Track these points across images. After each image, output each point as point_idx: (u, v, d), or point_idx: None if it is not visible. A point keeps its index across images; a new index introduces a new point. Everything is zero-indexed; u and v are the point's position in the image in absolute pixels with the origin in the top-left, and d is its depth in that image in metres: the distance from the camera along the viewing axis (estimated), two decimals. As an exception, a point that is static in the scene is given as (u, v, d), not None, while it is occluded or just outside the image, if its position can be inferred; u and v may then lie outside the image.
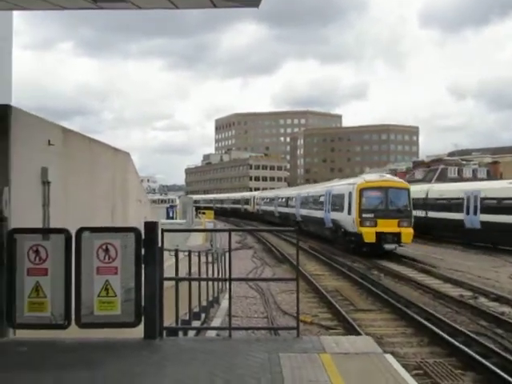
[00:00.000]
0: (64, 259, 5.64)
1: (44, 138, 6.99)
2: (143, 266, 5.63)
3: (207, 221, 34.87)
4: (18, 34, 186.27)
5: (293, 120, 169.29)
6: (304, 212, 36.70)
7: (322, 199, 31.71)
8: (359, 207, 24.68)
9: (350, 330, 10.46)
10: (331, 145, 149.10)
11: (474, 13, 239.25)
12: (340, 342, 5.60)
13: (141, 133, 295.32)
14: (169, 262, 8.54)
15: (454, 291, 15.25)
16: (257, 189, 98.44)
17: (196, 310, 8.70)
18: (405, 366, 8.02)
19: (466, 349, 8.89)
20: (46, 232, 5.87)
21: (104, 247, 5.66)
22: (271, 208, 51.18)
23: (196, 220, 42.18)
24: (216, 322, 10.04)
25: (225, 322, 9.51)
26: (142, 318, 5.55)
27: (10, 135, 6.08)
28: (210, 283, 11.29)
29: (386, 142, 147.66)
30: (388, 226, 24.10)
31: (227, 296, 9.20)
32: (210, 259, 13.01)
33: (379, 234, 23.80)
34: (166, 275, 7.71)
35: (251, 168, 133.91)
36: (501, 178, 53.60)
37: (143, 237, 5.66)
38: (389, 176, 30.23)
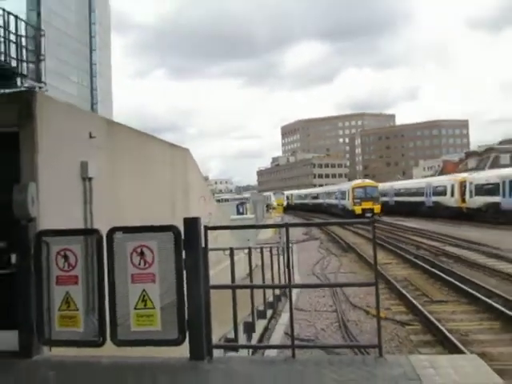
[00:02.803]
0: (95, 265, 4.13)
1: (84, 130, 5.53)
2: (185, 271, 4.00)
3: (277, 215, 33.20)
4: (122, 66, 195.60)
5: (350, 122, 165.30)
6: (331, 201, 52.46)
7: (336, 193, 50.03)
8: (353, 196, 42.36)
9: (429, 325, 8.36)
10: (386, 142, 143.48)
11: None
12: (438, 364, 3.66)
13: (220, 142, 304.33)
14: (225, 262, 7.00)
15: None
16: (320, 185, 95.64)
17: (249, 319, 6.80)
18: (503, 373, 6.00)
19: None
20: (72, 234, 4.35)
21: (139, 250, 4.05)
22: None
23: (266, 215, 40.63)
24: (278, 332, 8.14)
25: (287, 339, 7.50)
26: (187, 335, 3.92)
27: (36, 124, 4.65)
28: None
29: (438, 136, 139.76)
30: (367, 205, 41.20)
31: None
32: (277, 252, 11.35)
33: (363, 209, 40.41)
34: (220, 279, 6.04)
35: (314, 167, 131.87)
36: None
37: (183, 237, 4.03)
38: (367, 180, 52.11)
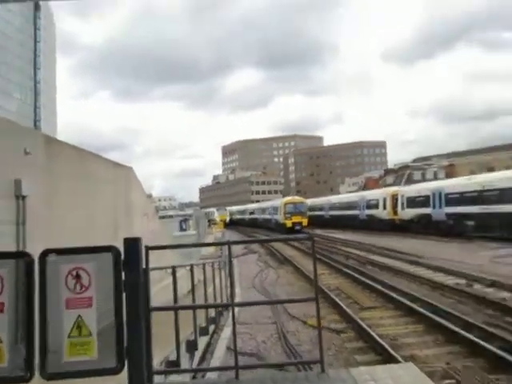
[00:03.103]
0: (24, 290, 3.58)
1: (18, 146, 4.96)
2: (124, 294, 3.56)
3: (217, 231, 32.70)
4: (66, 86, 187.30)
5: (284, 143, 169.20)
6: (265, 216, 54.21)
7: (269, 209, 51.97)
8: (284, 211, 44.15)
9: (361, 332, 8.32)
10: (316, 161, 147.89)
11: (423, 48, 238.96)
12: (377, 375, 3.50)
13: (164, 161, 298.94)
14: (167, 280, 6.55)
15: (448, 280, 13.11)
16: (258, 201, 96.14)
17: (191, 337, 6.37)
18: (432, 375, 6.01)
19: (490, 346, 6.77)
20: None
21: (74, 273, 3.56)
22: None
23: (208, 231, 39.95)
24: (220, 349, 7.75)
25: (230, 354, 7.10)
26: (126, 362, 3.47)
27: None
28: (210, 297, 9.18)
29: (360, 155, 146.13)
30: (296, 219, 43.31)
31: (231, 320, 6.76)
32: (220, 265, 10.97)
33: (293, 223, 42.86)
34: (162, 297, 5.60)
35: (252, 184, 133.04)
36: (454, 177, 52.59)
37: (123, 257, 3.60)
38: (296, 197, 52.08)
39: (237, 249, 30.29)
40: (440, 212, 27.70)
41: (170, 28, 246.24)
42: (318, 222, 51.52)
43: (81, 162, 6.45)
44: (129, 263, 3.57)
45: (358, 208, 41.32)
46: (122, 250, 3.62)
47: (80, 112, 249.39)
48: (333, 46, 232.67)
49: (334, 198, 54.17)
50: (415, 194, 31.81)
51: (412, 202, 31.94)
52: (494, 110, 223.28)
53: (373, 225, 37.62)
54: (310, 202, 58.68)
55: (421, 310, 9.27)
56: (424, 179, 55.28)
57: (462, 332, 7.45)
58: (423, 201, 30.04)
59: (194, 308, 5.16)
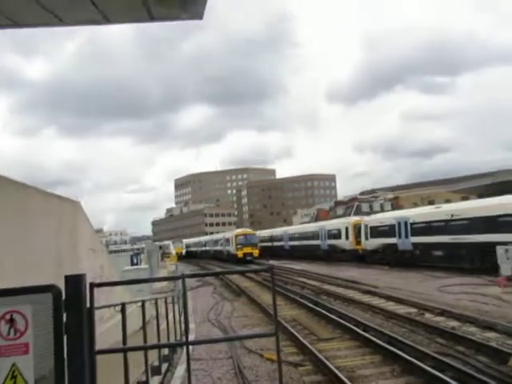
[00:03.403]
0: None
1: None
2: (66, 337, 3.20)
3: (171, 263, 31.74)
4: (8, 124, 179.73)
5: (237, 175, 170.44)
6: (218, 248, 56.36)
7: (221, 241, 54.05)
8: (236, 243, 46.19)
9: (319, 364, 8.12)
10: (268, 193, 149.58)
11: (365, 88, 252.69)
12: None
13: (115, 196, 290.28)
14: (117, 317, 6.11)
15: (399, 309, 13.26)
16: (211, 233, 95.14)
17: (143, 378, 5.92)
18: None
19: (442, 375, 6.78)
20: None
21: (8, 317, 3.16)
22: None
23: (161, 264, 38.74)
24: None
25: None
26: (67, 415, 3.07)
27: None
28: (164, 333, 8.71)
29: (311, 187, 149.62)
30: (247, 249, 45.47)
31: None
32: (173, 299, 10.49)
33: (244, 253, 45.20)
34: (112, 336, 5.19)
35: (206, 216, 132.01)
36: (400, 208, 53.75)
37: (63, 297, 3.25)
38: (247, 229, 54.75)
39: (191, 281, 29.44)
40: (406, 242, 26.62)
41: (120, 65, 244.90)
42: (277, 252, 50.59)
43: (19, 196, 5.98)
44: (70, 303, 3.22)
45: (320, 238, 40.08)
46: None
47: (25, 149, 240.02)
48: (281, 84, 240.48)
49: (293, 229, 52.84)
50: (379, 223, 30.30)
51: (376, 231, 30.39)
52: (431, 147, 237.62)
53: (335, 255, 36.43)
54: (268, 232, 58.94)
55: (377, 340, 9.22)
56: (372, 211, 57.13)
57: (417, 362, 7.43)
58: (388, 230, 28.58)
59: (144, 349, 4.75)
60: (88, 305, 3.34)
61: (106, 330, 6.66)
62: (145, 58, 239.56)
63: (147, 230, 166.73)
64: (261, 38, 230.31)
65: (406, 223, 26.75)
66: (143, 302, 6.04)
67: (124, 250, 59.04)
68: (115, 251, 79.07)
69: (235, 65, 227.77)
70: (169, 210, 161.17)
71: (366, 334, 9.80)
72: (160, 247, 73.28)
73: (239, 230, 51.67)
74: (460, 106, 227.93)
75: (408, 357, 7.81)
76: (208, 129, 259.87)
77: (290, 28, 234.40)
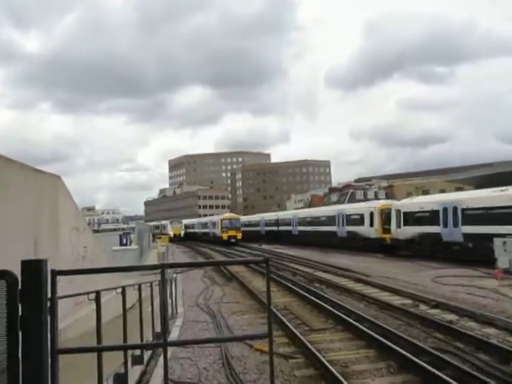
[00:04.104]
0: None
1: None
2: (20, 333, 2.67)
3: (162, 244, 31.33)
4: (2, 97, 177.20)
5: (232, 158, 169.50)
6: (203, 230, 61.91)
7: (208, 224, 58.27)
8: (221, 226, 50.41)
9: (311, 357, 7.71)
10: (263, 177, 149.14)
11: (364, 75, 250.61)
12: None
13: (108, 174, 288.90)
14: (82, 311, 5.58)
15: (394, 300, 12.90)
16: (205, 215, 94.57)
17: (121, 370, 5.44)
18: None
19: (441, 374, 6.38)
20: None
21: (-49, 308, 2.65)
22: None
23: (153, 245, 38.27)
24: (156, 379, 6.78)
25: None
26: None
27: None
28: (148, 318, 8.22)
29: (306, 173, 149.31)
30: (232, 233, 49.48)
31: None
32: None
33: (229, 236, 49.10)
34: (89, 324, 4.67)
35: (199, 198, 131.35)
36: (393, 197, 52.38)
37: (19, 286, 2.72)
38: (232, 214, 60.96)
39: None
40: (454, 232, 22.14)
41: (118, 41, 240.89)
42: (284, 238, 46.24)
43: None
44: (26, 293, 2.69)
45: (336, 223, 34.38)
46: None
47: (18, 123, 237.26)
48: (280, 68, 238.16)
49: (304, 212, 47.43)
50: (417, 208, 25.55)
51: (411, 218, 25.71)
52: (427, 137, 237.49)
53: (354, 244, 31.42)
54: (273, 215, 55.17)
55: (371, 332, 8.82)
56: (366, 198, 56.79)
57: (414, 359, 7.03)
58: (428, 217, 24.17)
59: (117, 349, 4.21)
60: (50, 295, 2.82)
61: (85, 317, 6.17)
62: (143, 35, 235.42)
63: (140, 210, 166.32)
64: (261, 20, 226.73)
65: (455, 209, 22.20)
66: (123, 288, 5.53)
67: (115, 230, 58.40)
68: (102, 231, 77.77)
69: (234, 46, 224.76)
70: (162, 191, 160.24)
71: (358, 325, 9.41)
72: (157, 227, 71.81)
73: (225, 215, 55.89)
74: (458, 96, 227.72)
75: (403, 351, 7.41)
76: (204, 110, 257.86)
77: (291, 11, 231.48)
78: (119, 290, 5.57)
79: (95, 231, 66.71)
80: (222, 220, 51.19)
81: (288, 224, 46.47)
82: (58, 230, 7.67)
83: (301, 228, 43.01)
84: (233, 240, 48.41)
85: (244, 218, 62.15)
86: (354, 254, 28.88)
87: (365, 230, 30.53)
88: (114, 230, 63.97)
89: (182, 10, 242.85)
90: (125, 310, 5.42)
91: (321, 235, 37.12)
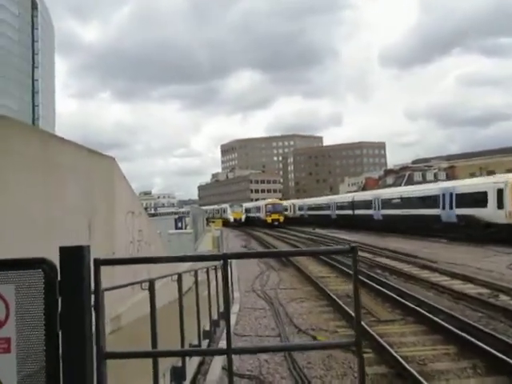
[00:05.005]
0: None
1: None
2: (60, 330, 2.19)
3: (215, 228, 31.37)
4: (67, 87, 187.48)
5: (283, 142, 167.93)
6: (250, 214, 64.91)
7: (256, 208, 62.20)
8: (265, 211, 56.16)
9: (382, 352, 6.98)
10: (315, 161, 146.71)
11: (420, 52, 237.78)
12: None
13: (163, 160, 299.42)
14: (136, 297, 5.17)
15: (468, 288, 11.76)
16: (257, 199, 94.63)
17: (179, 363, 5.03)
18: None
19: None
20: None
21: (-18, 301, 2.22)
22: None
23: (207, 228, 38.55)
24: (215, 370, 6.35)
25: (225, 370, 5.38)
26: None
27: None
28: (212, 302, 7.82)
29: (360, 156, 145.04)
30: (275, 216, 55.43)
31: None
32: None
33: (272, 219, 54.79)
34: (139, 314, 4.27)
35: (251, 182, 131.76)
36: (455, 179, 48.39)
37: (59, 276, 2.23)
38: (275, 199, 68.06)
39: (235, 245, 28.98)
40: None
41: (170, 29, 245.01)
42: (362, 224, 37.86)
43: (41, 147, 5.06)
44: (68, 284, 2.19)
45: (439, 205, 26.88)
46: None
47: (80, 111, 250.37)
48: (332, 48, 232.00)
49: (390, 192, 36.66)
50: None
51: None
52: (490, 114, 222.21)
53: (470, 231, 23.76)
54: (347, 197, 45.16)
55: (447, 325, 7.92)
56: (425, 180, 53.94)
57: (507, 359, 6.09)
58: None
59: (179, 355, 3.73)
60: (93, 286, 2.33)
61: (141, 299, 5.81)
62: (193, 22, 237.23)
63: (193, 195, 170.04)
64: (312, 0, 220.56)
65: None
66: (179, 275, 5.07)
67: (172, 213, 59.57)
68: (158, 214, 79.44)
69: (284, 29, 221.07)
70: (214, 175, 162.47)
71: (432, 316, 8.51)
72: (217, 211, 71.00)
73: (269, 200, 62.13)
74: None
75: (492, 350, 6.48)
76: (255, 94, 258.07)
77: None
78: (175, 278, 5.13)
79: (152, 215, 68.47)
80: (265, 205, 57.32)
81: (367, 207, 37.15)
82: (113, 214, 7.40)
83: (385, 211, 34.18)
84: (276, 223, 54.14)
85: (309, 201, 59.21)
86: (412, 239, 27.38)
87: (488, 212, 22.57)
88: (172, 213, 64.89)
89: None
90: (181, 299, 4.97)
91: (416, 220, 29.19)
